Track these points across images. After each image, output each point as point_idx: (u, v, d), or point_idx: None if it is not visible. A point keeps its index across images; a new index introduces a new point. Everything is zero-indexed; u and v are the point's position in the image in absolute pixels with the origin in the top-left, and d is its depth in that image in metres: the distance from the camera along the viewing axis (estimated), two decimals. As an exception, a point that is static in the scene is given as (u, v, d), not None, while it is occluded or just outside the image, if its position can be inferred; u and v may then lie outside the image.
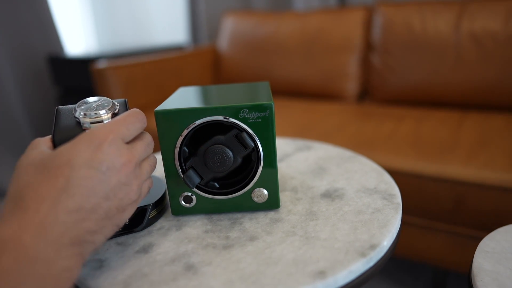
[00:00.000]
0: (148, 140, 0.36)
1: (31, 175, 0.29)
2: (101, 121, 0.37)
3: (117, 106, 0.39)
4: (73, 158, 0.29)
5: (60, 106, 0.41)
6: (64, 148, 0.30)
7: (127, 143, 0.34)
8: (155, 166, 0.37)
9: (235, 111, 0.40)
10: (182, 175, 0.42)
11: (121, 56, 1.85)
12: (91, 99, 0.40)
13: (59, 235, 0.27)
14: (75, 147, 0.30)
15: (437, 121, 1.20)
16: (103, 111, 0.37)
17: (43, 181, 0.28)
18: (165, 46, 2.11)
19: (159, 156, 0.66)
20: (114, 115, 0.38)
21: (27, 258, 0.25)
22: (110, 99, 0.40)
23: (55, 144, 0.38)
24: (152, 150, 0.37)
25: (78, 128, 0.37)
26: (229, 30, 1.85)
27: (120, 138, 0.32)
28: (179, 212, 0.44)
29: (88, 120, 0.37)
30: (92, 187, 0.29)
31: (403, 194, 0.96)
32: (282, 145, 0.67)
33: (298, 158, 0.60)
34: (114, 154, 0.31)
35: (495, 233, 0.45)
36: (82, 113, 0.37)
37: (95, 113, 0.37)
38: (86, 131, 0.33)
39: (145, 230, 0.42)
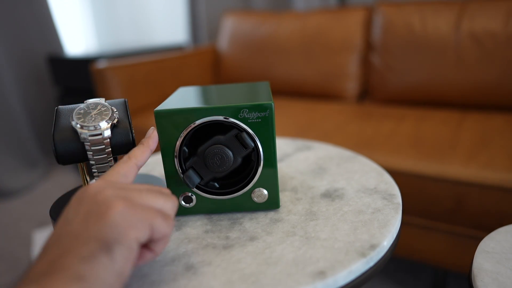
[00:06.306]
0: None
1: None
2: (100, 134, 0.37)
3: (116, 113, 0.39)
4: None
5: (60, 106, 0.41)
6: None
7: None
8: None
9: (235, 111, 0.39)
10: (182, 175, 0.42)
11: (121, 56, 1.85)
12: (89, 103, 0.40)
13: None
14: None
15: (437, 121, 1.20)
16: (103, 123, 0.37)
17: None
18: (165, 46, 2.11)
19: (159, 157, 0.66)
20: (113, 126, 0.38)
21: None
22: (108, 105, 0.40)
23: (55, 144, 0.38)
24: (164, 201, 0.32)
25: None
26: (229, 30, 1.85)
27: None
28: (179, 212, 0.44)
29: (86, 131, 0.37)
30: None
31: (403, 194, 0.96)
32: (282, 145, 0.67)
33: (298, 158, 0.60)
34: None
35: (495, 233, 0.45)
36: (79, 125, 0.37)
37: (94, 126, 0.37)
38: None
39: (145, 230, 0.42)
